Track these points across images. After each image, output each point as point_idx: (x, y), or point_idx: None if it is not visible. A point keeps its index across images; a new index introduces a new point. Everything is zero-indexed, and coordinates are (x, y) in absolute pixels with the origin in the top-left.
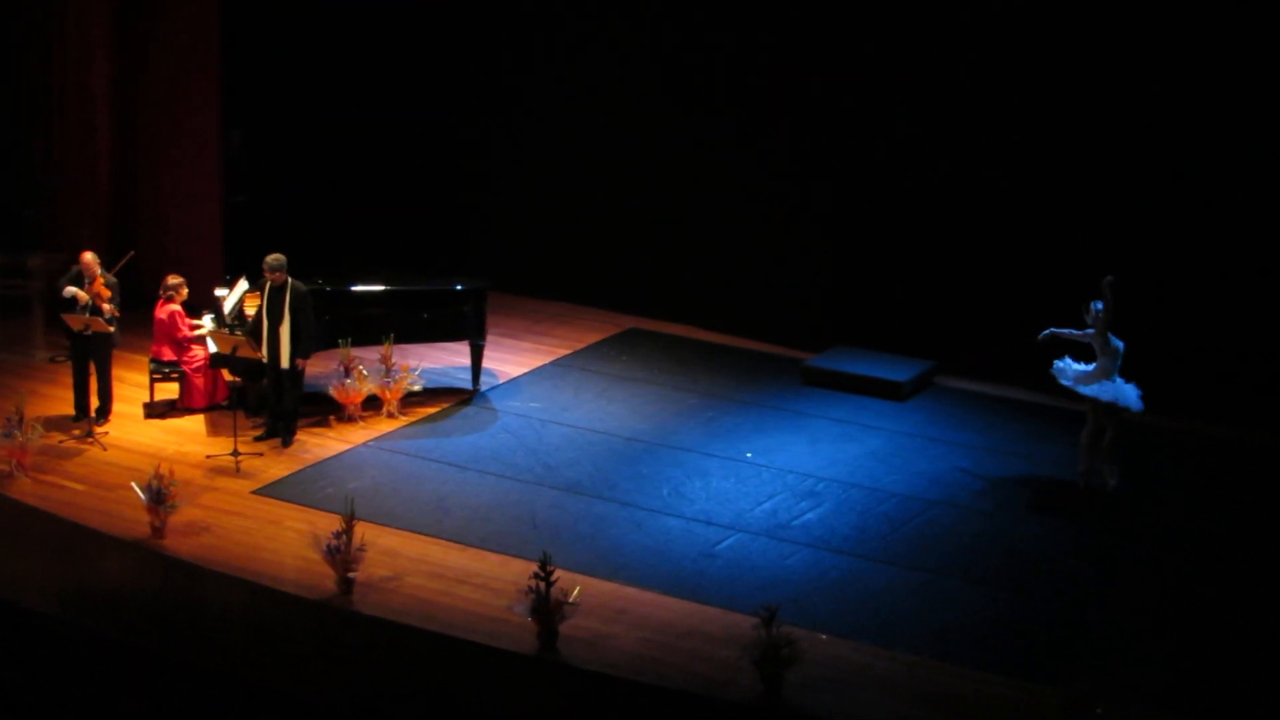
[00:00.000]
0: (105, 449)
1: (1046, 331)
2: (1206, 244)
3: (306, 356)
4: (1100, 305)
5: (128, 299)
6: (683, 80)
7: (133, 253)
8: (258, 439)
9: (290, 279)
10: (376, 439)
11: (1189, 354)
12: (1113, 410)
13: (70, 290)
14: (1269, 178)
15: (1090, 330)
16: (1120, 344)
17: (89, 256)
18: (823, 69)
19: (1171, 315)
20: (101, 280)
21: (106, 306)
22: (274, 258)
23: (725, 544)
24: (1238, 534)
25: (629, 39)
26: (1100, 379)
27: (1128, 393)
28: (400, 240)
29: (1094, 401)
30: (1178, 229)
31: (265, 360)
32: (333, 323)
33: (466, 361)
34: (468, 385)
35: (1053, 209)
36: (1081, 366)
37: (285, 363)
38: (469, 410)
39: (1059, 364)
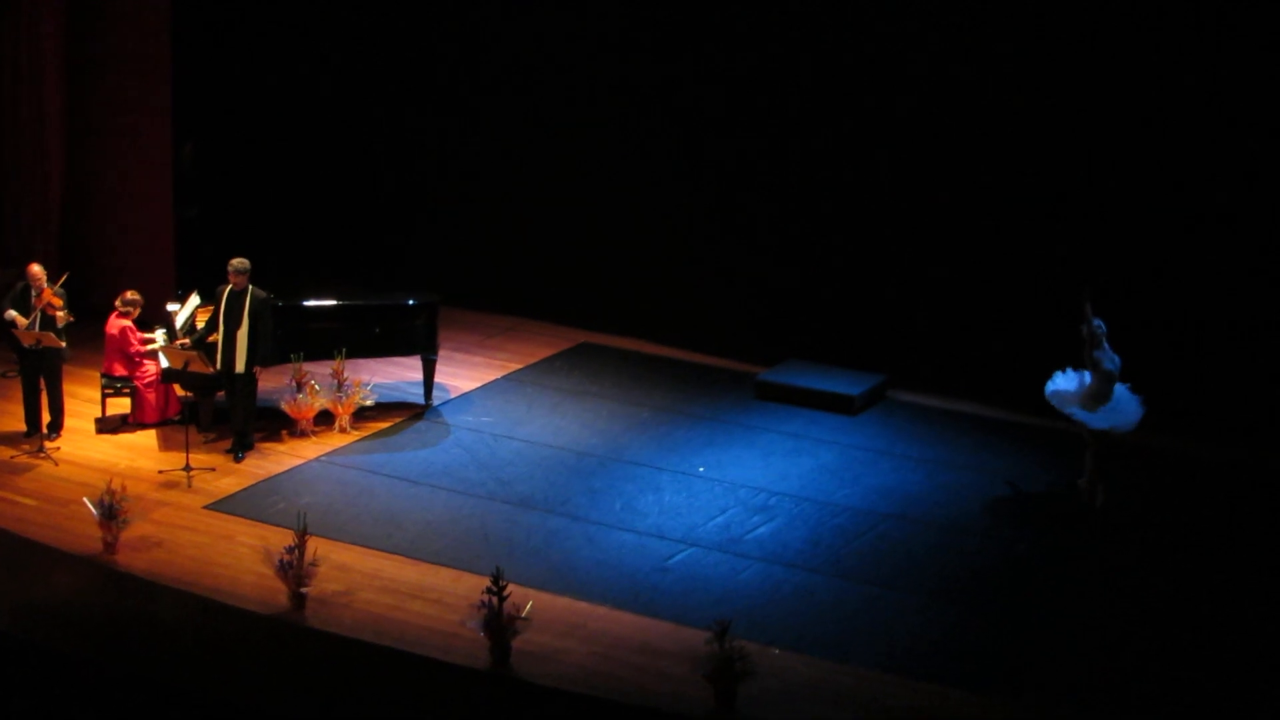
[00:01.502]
0: (57, 464)
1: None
2: (1178, 256)
3: (265, 364)
4: (1088, 325)
5: (80, 315)
6: (632, 94)
7: (67, 274)
8: (228, 451)
9: (251, 285)
10: (329, 454)
11: (1166, 372)
12: (1101, 433)
13: (10, 314)
14: (1245, 195)
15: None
16: (1113, 364)
17: (36, 268)
18: (771, 82)
19: (1145, 330)
20: (50, 291)
21: (60, 314)
22: (240, 261)
23: (678, 558)
24: (1194, 549)
25: (578, 52)
26: (1094, 403)
27: (1124, 415)
28: (352, 254)
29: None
30: (1145, 242)
31: (219, 368)
32: (285, 337)
33: (419, 376)
34: (420, 400)
35: (1006, 222)
36: (1072, 385)
37: (241, 367)
38: (421, 425)
39: (1053, 388)
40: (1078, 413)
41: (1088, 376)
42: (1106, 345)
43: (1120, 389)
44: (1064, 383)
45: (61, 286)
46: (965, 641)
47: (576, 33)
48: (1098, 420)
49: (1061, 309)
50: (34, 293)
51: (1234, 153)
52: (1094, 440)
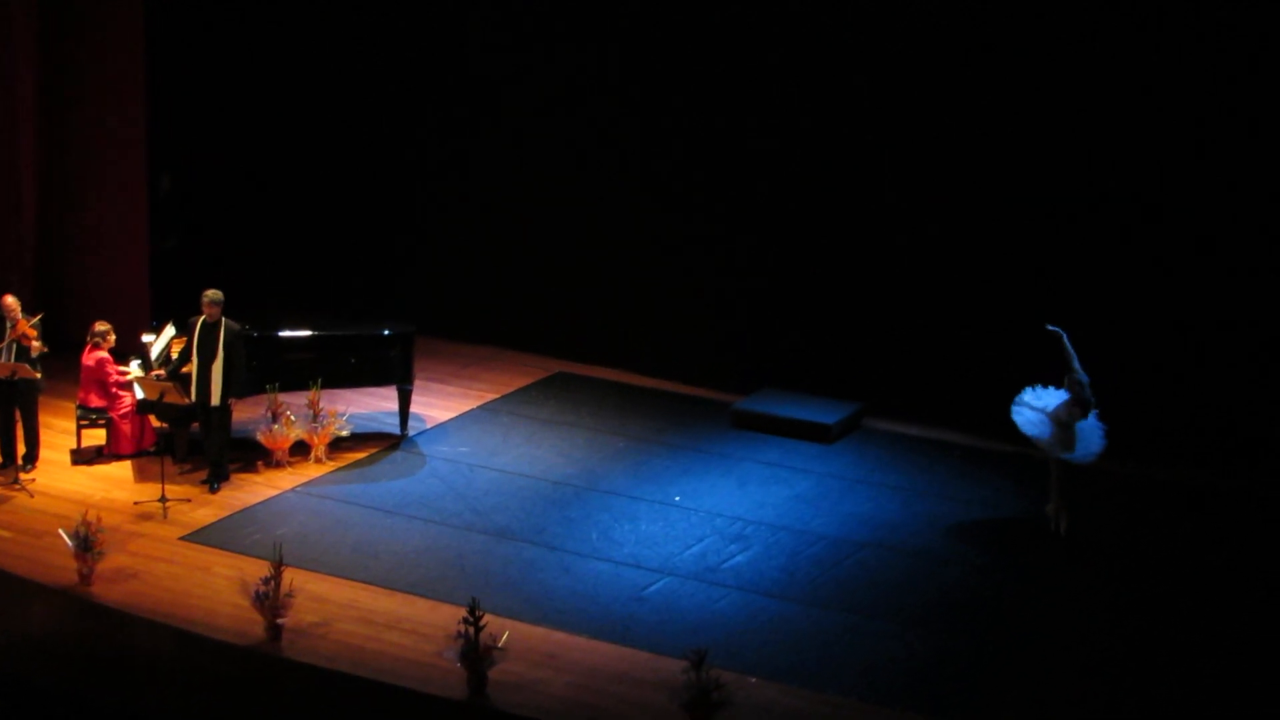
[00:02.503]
0: (32, 496)
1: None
2: (1143, 284)
3: (239, 396)
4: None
5: (55, 346)
6: (607, 125)
7: (42, 314)
8: (204, 482)
9: (224, 318)
10: (304, 484)
11: (1137, 398)
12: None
13: None
14: (1209, 225)
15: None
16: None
17: (10, 300)
18: (746, 114)
19: (1115, 358)
20: (25, 322)
21: (35, 345)
22: (214, 292)
23: (654, 588)
24: (1166, 573)
25: (556, 85)
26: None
27: (1086, 445)
28: (327, 285)
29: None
30: (1113, 269)
31: (193, 400)
32: (260, 368)
33: (394, 406)
34: (395, 430)
35: (981, 250)
36: (1037, 412)
37: (216, 400)
38: (397, 455)
39: (1020, 417)
40: (1043, 439)
41: (1054, 399)
42: (1088, 394)
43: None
44: (1031, 405)
45: (37, 321)
46: (942, 669)
47: (555, 67)
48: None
49: (1036, 337)
50: (8, 324)
51: (1206, 184)
52: (1057, 466)
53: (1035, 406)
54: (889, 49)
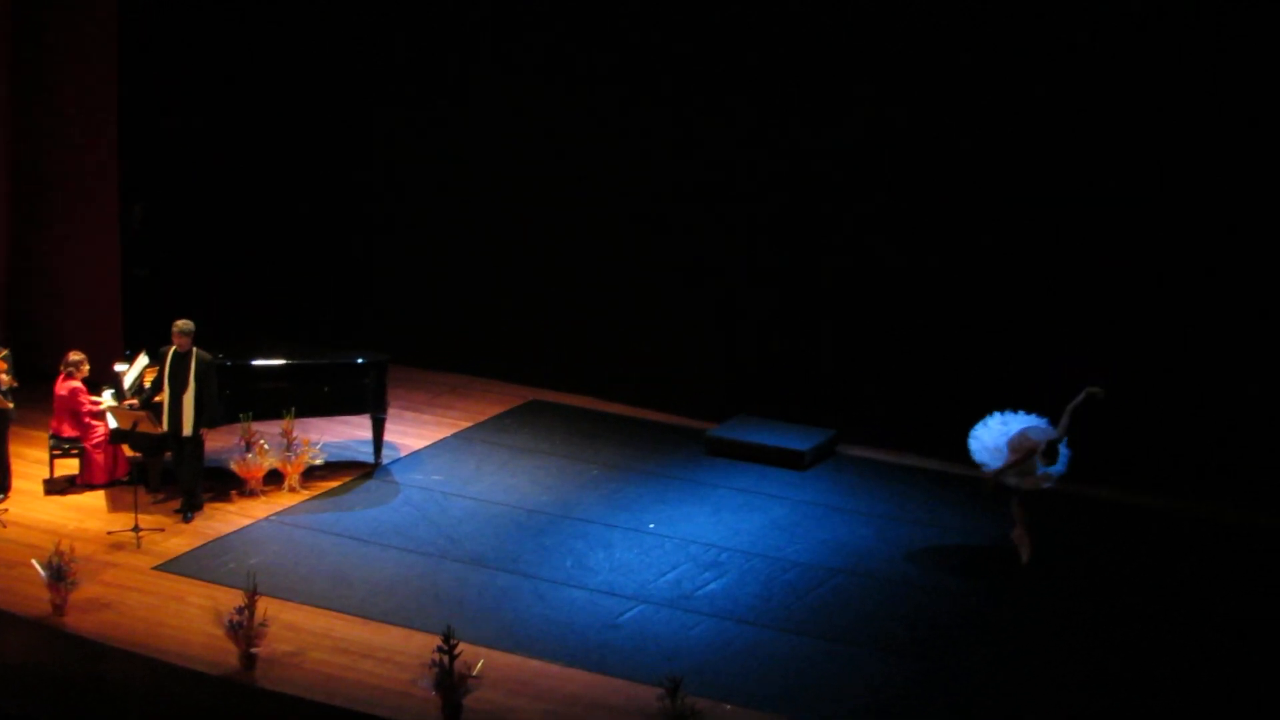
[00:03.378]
0: (5, 525)
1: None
2: (1107, 310)
3: (211, 426)
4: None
5: (27, 376)
6: (578, 151)
7: (6, 350)
8: (177, 511)
9: (195, 347)
10: (278, 513)
11: (1115, 423)
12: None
13: None
14: (1178, 244)
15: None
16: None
17: None
18: (717, 143)
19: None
20: None
21: (5, 378)
22: (184, 323)
23: (629, 615)
24: (1144, 601)
25: (523, 111)
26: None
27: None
28: (301, 314)
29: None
30: (1081, 295)
31: (167, 429)
32: (234, 397)
33: (368, 435)
34: (369, 459)
35: (954, 278)
36: (997, 440)
37: (188, 430)
38: (371, 484)
39: (977, 445)
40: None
41: (1014, 426)
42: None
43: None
44: (992, 436)
45: (3, 358)
46: (918, 696)
47: (521, 91)
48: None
49: (1010, 363)
50: None
51: (1170, 214)
52: (1017, 492)
53: (995, 439)
54: (854, 84)
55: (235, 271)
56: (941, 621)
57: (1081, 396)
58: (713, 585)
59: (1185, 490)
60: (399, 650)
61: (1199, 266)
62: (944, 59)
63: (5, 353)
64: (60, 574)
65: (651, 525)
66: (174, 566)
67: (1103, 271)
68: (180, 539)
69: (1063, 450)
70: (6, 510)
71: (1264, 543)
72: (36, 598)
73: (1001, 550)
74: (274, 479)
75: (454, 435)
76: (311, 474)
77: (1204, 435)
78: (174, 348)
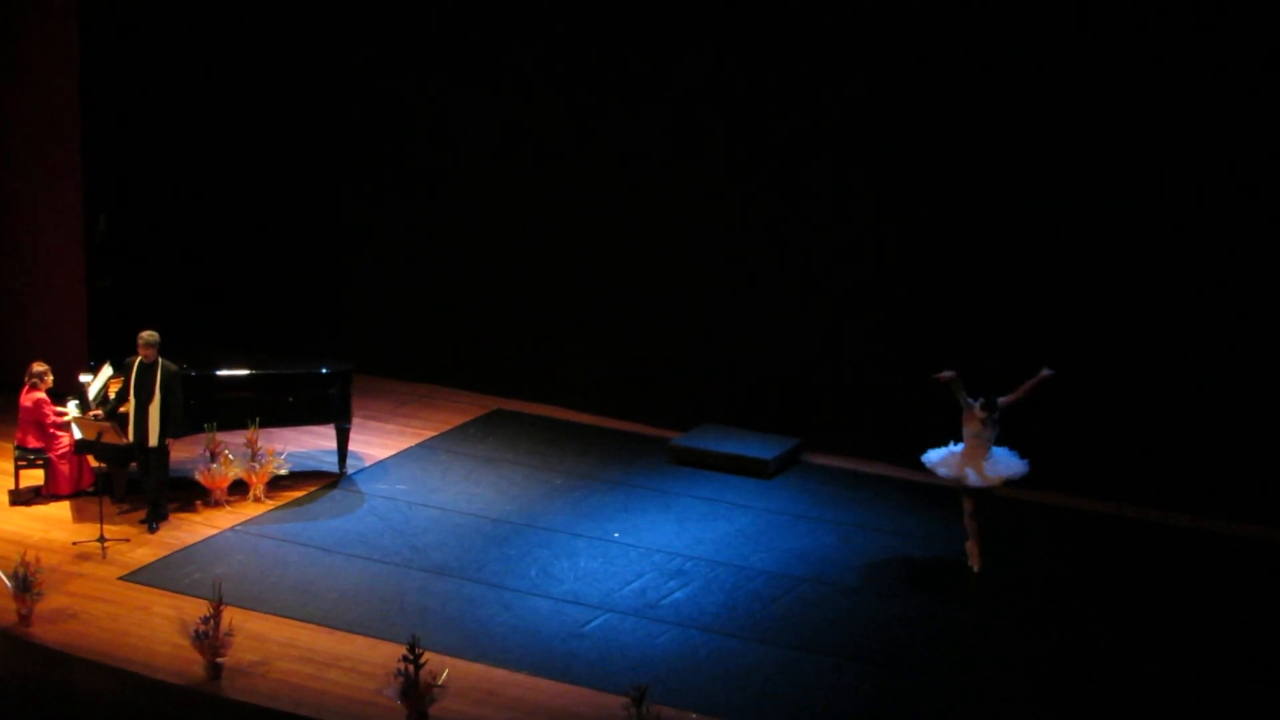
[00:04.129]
0: None
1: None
2: (1059, 315)
3: (177, 436)
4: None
5: None
6: (539, 156)
7: None
8: (142, 521)
9: (160, 358)
10: (243, 523)
11: (1071, 428)
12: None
13: None
14: (1154, 248)
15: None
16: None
17: None
18: (680, 153)
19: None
20: None
21: None
22: (149, 334)
23: (594, 624)
24: (1110, 610)
25: (487, 121)
26: (973, 460)
27: (1006, 467)
28: (265, 324)
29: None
30: (1047, 306)
31: (131, 440)
32: (198, 407)
33: (332, 445)
34: (334, 468)
35: (918, 284)
36: (947, 450)
37: (154, 440)
38: (335, 493)
39: (929, 457)
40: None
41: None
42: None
43: (994, 454)
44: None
45: None
46: (884, 704)
47: (492, 105)
48: (974, 478)
49: (975, 370)
50: None
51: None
52: (969, 503)
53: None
54: (831, 89)
55: (200, 281)
56: (907, 630)
57: (1037, 379)
58: (678, 594)
59: (1152, 498)
60: (364, 659)
61: (1177, 271)
62: (911, 50)
63: None
64: (26, 584)
65: (616, 534)
66: (139, 576)
67: (1076, 277)
68: (146, 549)
69: (1007, 457)
70: None
71: (1237, 551)
72: (2, 608)
73: (965, 558)
74: (239, 489)
75: (418, 445)
76: (276, 484)
77: (1179, 443)
78: (139, 358)
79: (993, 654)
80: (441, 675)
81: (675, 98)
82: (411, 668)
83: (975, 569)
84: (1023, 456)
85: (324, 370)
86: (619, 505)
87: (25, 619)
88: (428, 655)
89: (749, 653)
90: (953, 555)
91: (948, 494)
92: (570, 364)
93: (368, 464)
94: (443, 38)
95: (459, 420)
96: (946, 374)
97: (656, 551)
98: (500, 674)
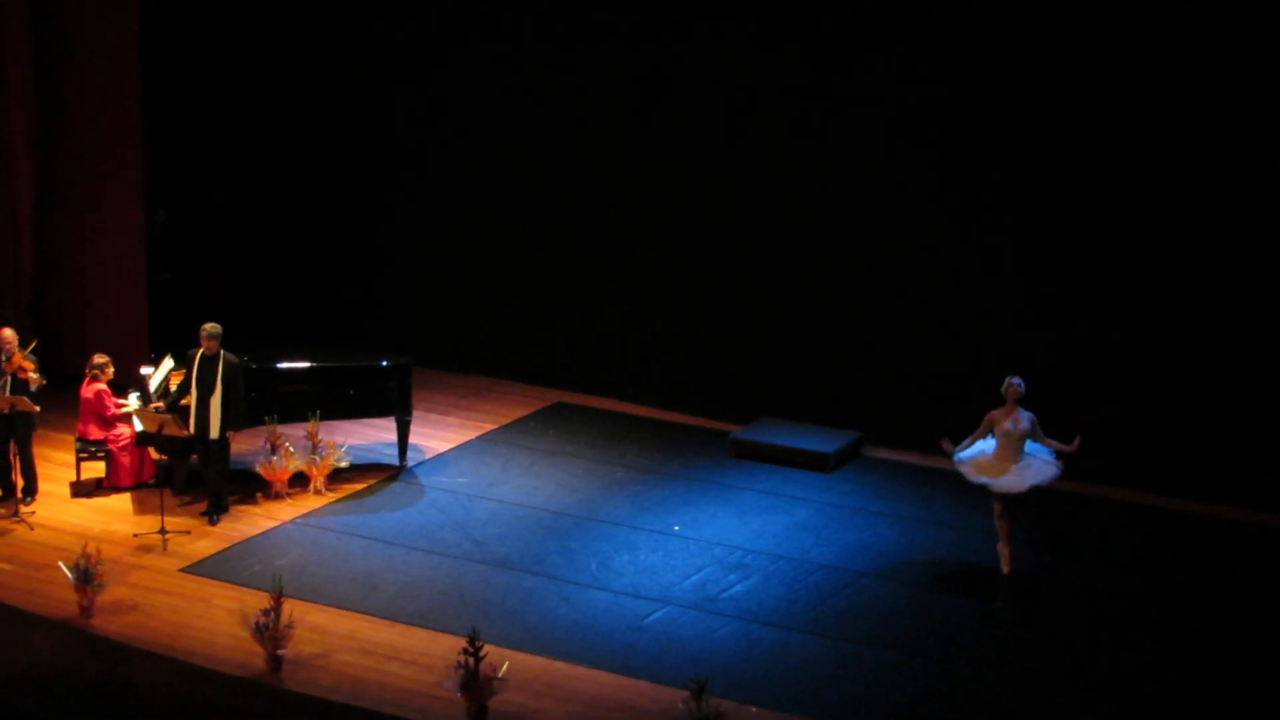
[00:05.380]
0: (32, 528)
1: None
2: (1142, 310)
3: (238, 428)
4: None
5: (53, 380)
6: (603, 153)
7: (36, 340)
8: (203, 514)
9: (222, 350)
10: (304, 516)
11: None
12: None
13: None
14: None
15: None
16: (1026, 420)
17: (8, 332)
18: (736, 141)
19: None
20: (20, 355)
21: (33, 377)
22: (212, 326)
23: (653, 617)
24: (1166, 605)
25: (549, 113)
26: (1008, 465)
27: (1037, 472)
28: (325, 317)
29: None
30: (1106, 297)
31: (192, 432)
32: (259, 400)
33: (393, 437)
34: (394, 461)
35: (979, 278)
36: (978, 450)
37: (215, 433)
38: (396, 486)
39: (960, 455)
40: (989, 480)
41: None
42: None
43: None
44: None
45: (32, 351)
46: (942, 699)
47: (546, 92)
48: (1012, 483)
49: (1034, 363)
50: (3, 357)
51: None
52: (998, 503)
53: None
54: (898, 76)
55: (259, 275)
56: (966, 624)
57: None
58: (738, 587)
59: (1212, 493)
60: (424, 652)
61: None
62: (984, 38)
63: (33, 344)
64: (87, 576)
65: (676, 527)
66: (200, 569)
67: (1127, 271)
68: (206, 541)
69: (1040, 458)
70: (33, 513)
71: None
72: (64, 600)
73: (1025, 552)
74: (299, 481)
75: (479, 438)
76: (337, 476)
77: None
78: (201, 350)
79: (1051, 651)
80: (501, 668)
81: (738, 86)
82: (472, 660)
83: (1005, 571)
84: (1079, 446)
85: (384, 363)
86: (679, 499)
87: (86, 611)
88: (488, 648)
89: (808, 646)
90: (1013, 550)
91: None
92: (631, 357)
93: (428, 457)
94: (502, 23)
95: (519, 413)
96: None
97: (716, 545)
98: (560, 667)
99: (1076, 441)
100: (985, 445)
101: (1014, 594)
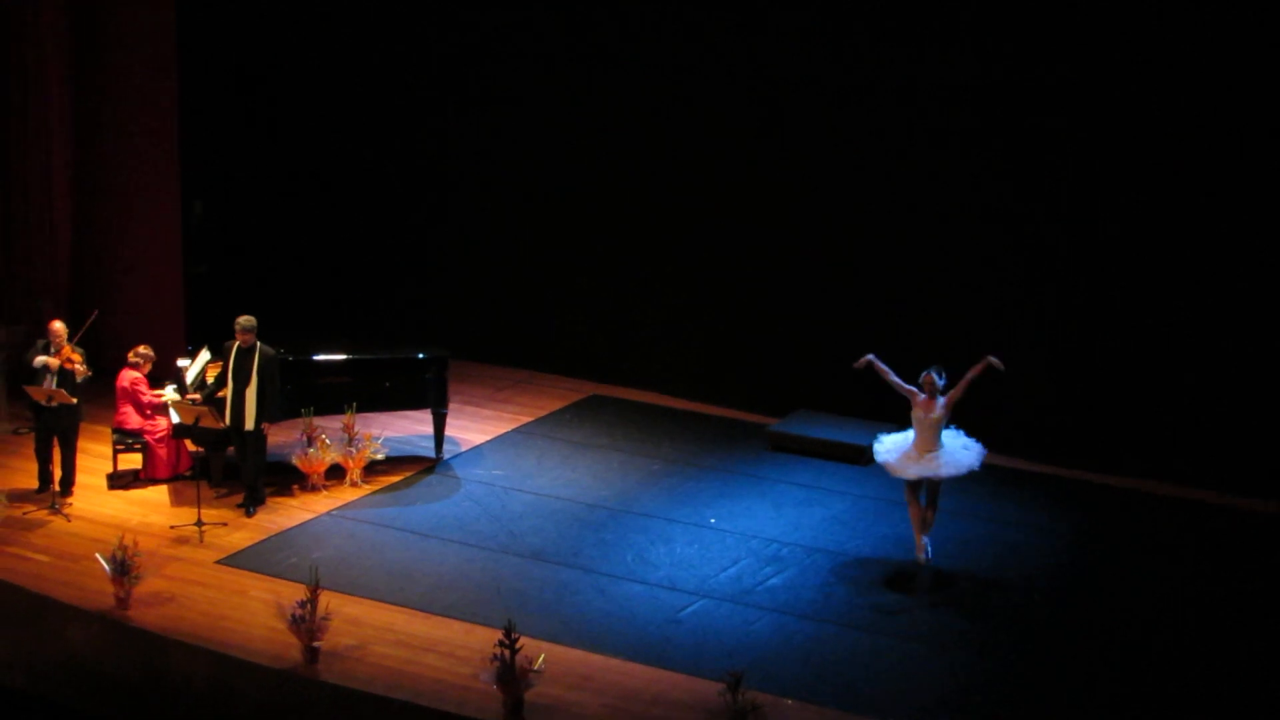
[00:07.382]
0: (69, 520)
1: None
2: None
3: (274, 420)
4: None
5: (91, 372)
6: (639, 148)
7: (96, 312)
8: (239, 505)
9: (258, 343)
10: (340, 508)
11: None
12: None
13: (41, 360)
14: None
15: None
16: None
17: (58, 325)
18: (768, 138)
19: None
20: (69, 347)
21: (79, 369)
22: (246, 319)
23: (690, 610)
24: (1202, 598)
25: (585, 107)
26: (919, 451)
27: (961, 458)
28: (361, 309)
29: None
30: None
31: (228, 425)
32: (295, 392)
33: (429, 429)
34: (430, 453)
35: (1010, 272)
36: (895, 444)
37: (251, 425)
38: (432, 478)
39: (878, 449)
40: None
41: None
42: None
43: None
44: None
45: (80, 338)
46: (979, 692)
47: (582, 87)
48: (935, 469)
49: (1069, 359)
50: (53, 349)
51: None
52: (910, 493)
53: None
54: (948, 73)
55: (295, 267)
56: (1002, 617)
57: (981, 366)
58: (774, 580)
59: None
60: (461, 644)
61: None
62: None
63: (93, 316)
64: (124, 568)
65: (713, 520)
66: (237, 560)
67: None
68: (243, 533)
69: (957, 448)
70: (71, 505)
71: None
72: (101, 591)
73: (1061, 545)
74: (336, 473)
75: (515, 430)
76: (373, 469)
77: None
78: (237, 343)
79: (1093, 641)
80: (538, 660)
81: (773, 80)
82: (507, 653)
83: (921, 560)
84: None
85: (420, 355)
86: (715, 491)
87: (123, 602)
88: (524, 640)
89: (845, 640)
90: (1049, 541)
91: (1044, 481)
92: (667, 350)
93: (464, 449)
94: (537, 21)
95: (555, 406)
96: (863, 361)
97: (752, 537)
98: (596, 659)
99: (985, 362)
100: (905, 443)
101: (1050, 586)
